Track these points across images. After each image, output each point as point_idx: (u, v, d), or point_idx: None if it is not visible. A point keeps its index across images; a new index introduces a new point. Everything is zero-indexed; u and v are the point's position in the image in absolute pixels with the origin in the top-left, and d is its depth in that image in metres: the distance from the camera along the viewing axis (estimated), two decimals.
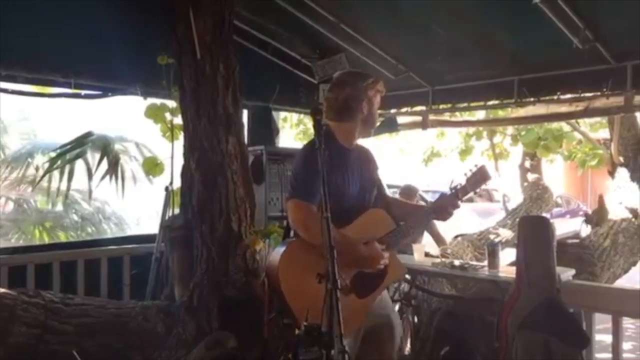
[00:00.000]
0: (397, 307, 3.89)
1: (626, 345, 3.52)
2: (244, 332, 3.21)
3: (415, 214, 2.52)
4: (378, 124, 2.67)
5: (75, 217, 6.56)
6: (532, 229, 3.08)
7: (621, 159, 5.15)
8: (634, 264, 4.84)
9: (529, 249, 3.03)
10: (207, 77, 3.52)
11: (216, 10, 3.56)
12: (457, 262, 3.59)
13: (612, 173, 5.41)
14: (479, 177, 2.42)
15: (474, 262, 3.90)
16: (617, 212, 4.91)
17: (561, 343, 2.74)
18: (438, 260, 3.70)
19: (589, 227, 12.48)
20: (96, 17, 3.68)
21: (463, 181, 2.43)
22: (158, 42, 3.85)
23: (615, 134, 5.15)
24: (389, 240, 2.31)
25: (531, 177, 7.67)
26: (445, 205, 2.40)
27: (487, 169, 2.44)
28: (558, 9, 3.27)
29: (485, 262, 3.66)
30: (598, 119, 6.77)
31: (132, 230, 6.63)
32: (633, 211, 4.78)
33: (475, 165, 2.47)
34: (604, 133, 7.31)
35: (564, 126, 7.00)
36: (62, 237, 6.19)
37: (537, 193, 7.21)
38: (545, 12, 3.29)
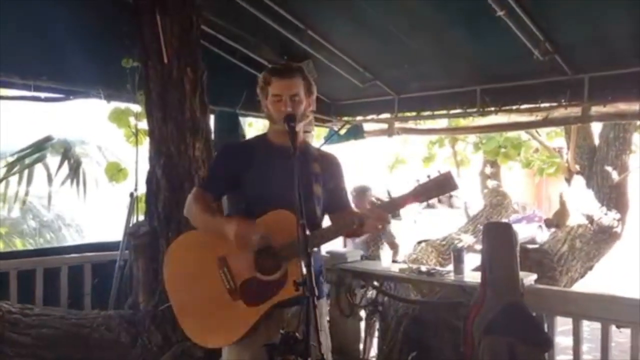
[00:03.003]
0: (363, 313, 3.93)
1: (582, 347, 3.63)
2: None
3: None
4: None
5: (34, 224, 6.32)
6: (496, 235, 3.15)
7: (577, 167, 5.35)
8: (590, 268, 5.01)
9: (494, 255, 3.10)
10: (174, 82, 3.49)
11: (184, 14, 3.53)
12: (423, 268, 3.64)
13: (569, 180, 5.61)
14: (433, 186, 1.96)
15: (440, 268, 3.96)
16: (574, 218, 5.09)
17: (525, 346, 2.81)
18: (405, 266, 3.74)
19: (544, 232, 12.92)
20: (57, 18, 3.59)
21: (408, 189, 2.01)
22: (122, 45, 3.78)
23: (572, 143, 5.35)
24: (288, 249, 1.97)
25: (491, 184, 7.87)
26: (372, 218, 1.99)
27: (450, 177, 1.97)
28: (520, 21, 3.37)
29: (450, 268, 3.72)
30: (554, 128, 7.01)
31: (94, 237, 6.42)
32: (589, 217, 4.97)
33: (439, 171, 2.02)
34: (558, 142, 7.58)
35: (522, 135, 7.23)
36: (19, 244, 5.95)
37: (497, 200, 7.41)
38: (508, 25, 3.40)
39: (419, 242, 6.77)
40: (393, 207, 1.99)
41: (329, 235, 2.04)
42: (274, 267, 2.01)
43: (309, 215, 1.91)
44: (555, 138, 7.64)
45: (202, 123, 3.58)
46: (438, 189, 1.95)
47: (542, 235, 12.98)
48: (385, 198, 2.04)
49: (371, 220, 1.97)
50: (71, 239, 6.68)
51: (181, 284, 2.12)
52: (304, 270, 1.88)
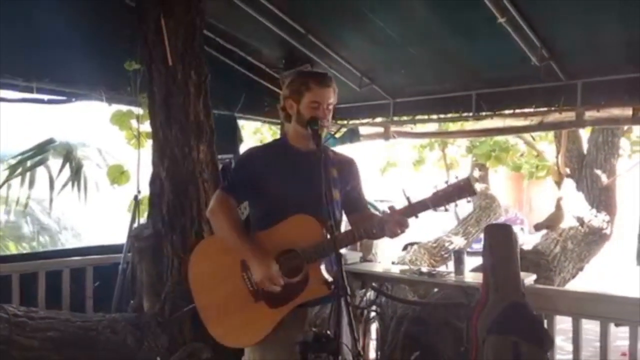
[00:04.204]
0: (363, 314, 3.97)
1: (570, 347, 3.73)
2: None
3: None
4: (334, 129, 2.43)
5: (31, 227, 6.21)
6: (497, 236, 3.23)
7: (567, 170, 5.49)
8: (581, 269, 5.13)
9: (495, 255, 3.17)
10: (178, 85, 3.50)
11: (188, 19, 3.55)
12: (424, 269, 3.71)
13: (559, 184, 5.74)
14: (454, 191, 1.99)
15: (440, 269, 4.03)
16: (566, 221, 5.21)
17: (529, 345, 2.88)
18: (406, 267, 3.80)
19: (525, 234, 13.13)
20: (59, 20, 3.57)
21: (427, 195, 2.03)
22: (124, 47, 3.79)
23: (563, 147, 5.48)
24: (312, 252, 2.02)
25: (479, 186, 7.98)
26: (391, 223, 2.01)
27: (470, 183, 1.99)
28: (519, 28, 3.47)
29: (444, 268, 3.82)
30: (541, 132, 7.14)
31: (91, 241, 6.35)
32: (580, 219, 5.09)
33: (457, 177, 2.05)
34: (542, 145, 7.71)
35: (510, 139, 7.37)
36: (12, 248, 5.87)
37: (485, 202, 7.52)
38: (506, 32, 3.48)
39: (411, 244, 6.85)
40: (412, 212, 2.01)
41: (349, 240, 2.08)
42: (295, 270, 2.05)
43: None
44: (539, 142, 7.81)
45: (206, 126, 3.60)
46: (457, 194, 1.99)
47: (524, 237, 13.21)
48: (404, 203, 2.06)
49: (390, 225, 2.00)
50: (67, 243, 6.60)
51: (206, 286, 2.17)
52: (324, 271, 1.97)
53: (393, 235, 2.02)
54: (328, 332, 1.59)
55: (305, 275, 2.03)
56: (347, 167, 2.32)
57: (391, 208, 2.02)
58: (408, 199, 2.00)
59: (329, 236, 1.90)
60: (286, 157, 2.21)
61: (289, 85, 2.19)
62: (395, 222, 1.99)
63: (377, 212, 2.38)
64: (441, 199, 2.00)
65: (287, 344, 1.89)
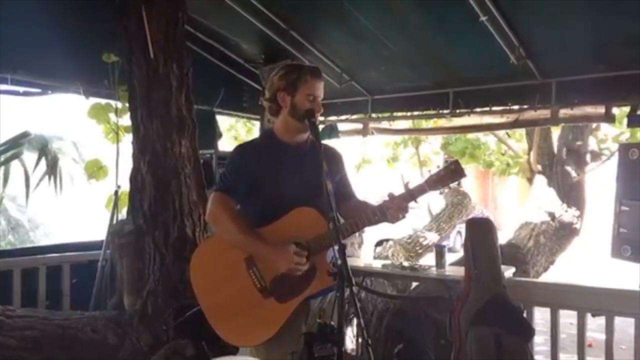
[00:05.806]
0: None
1: (538, 339, 3.84)
2: (202, 339, 3.15)
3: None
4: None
5: (3, 225, 5.94)
6: (479, 230, 3.30)
7: (539, 167, 5.64)
8: (552, 262, 5.30)
9: (477, 249, 3.23)
10: (159, 78, 3.46)
11: (170, 11, 3.50)
12: (406, 263, 3.75)
13: (530, 180, 5.90)
14: (446, 175, 2.05)
15: (421, 263, 4.08)
16: (538, 215, 5.35)
17: (511, 335, 2.95)
18: (388, 262, 3.84)
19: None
20: (35, 10, 3.47)
21: (422, 180, 2.10)
22: (101, 40, 3.71)
23: (535, 144, 5.62)
24: (318, 244, 2.05)
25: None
26: (393, 209, 2.04)
27: (460, 166, 2.07)
28: (499, 27, 3.54)
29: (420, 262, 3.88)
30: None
31: (64, 239, 6.14)
32: (551, 214, 5.25)
33: (446, 161, 2.21)
34: (510, 143, 7.89)
35: (480, 137, 7.51)
36: None
37: (457, 199, 7.63)
38: (486, 31, 3.55)
39: (386, 240, 6.90)
40: (411, 196, 2.05)
41: (354, 228, 2.08)
42: None
43: (326, 209, 1.92)
44: (507, 139, 7.99)
45: (188, 120, 3.56)
46: (450, 177, 2.06)
47: None
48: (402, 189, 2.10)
49: (392, 211, 2.02)
50: (37, 241, 6.36)
51: (211, 286, 2.13)
52: (330, 262, 1.97)
53: (395, 220, 2.05)
54: (332, 322, 1.60)
55: (312, 267, 2.04)
56: (333, 157, 2.31)
57: (390, 195, 2.05)
58: (406, 184, 2.04)
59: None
60: (277, 152, 2.20)
61: (283, 78, 2.15)
62: (396, 207, 2.03)
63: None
64: (436, 182, 2.06)
65: (291, 338, 1.89)
